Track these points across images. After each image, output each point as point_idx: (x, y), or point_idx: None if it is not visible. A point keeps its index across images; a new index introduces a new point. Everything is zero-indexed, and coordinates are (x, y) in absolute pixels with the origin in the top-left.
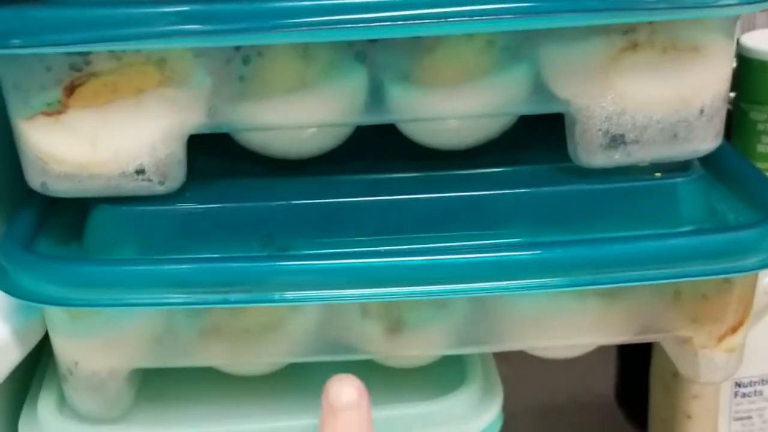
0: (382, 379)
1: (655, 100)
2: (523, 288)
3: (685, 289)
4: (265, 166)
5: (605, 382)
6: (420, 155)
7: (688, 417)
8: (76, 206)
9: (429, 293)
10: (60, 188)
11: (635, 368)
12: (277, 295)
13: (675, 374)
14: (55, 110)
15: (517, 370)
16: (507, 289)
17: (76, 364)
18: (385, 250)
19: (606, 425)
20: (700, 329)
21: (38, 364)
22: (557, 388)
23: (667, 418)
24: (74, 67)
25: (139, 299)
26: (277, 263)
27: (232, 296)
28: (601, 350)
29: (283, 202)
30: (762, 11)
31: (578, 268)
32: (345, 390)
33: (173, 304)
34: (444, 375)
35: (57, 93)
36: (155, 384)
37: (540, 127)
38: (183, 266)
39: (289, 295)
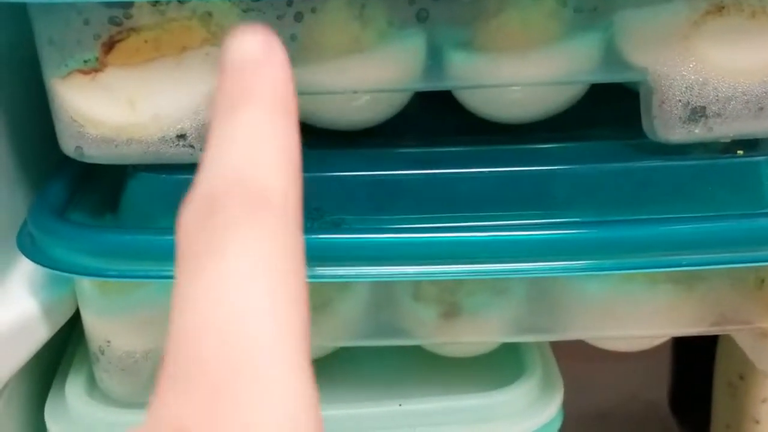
0: (437, 369)
1: (741, 69)
2: (586, 269)
3: None
4: (315, 137)
5: (658, 388)
6: (480, 129)
7: (757, 422)
8: (112, 174)
9: (484, 272)
10: (96, 153)
11: (693, 371)
12: (325, 271)
13: (742, 375)
14: (92, 68)
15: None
16: (569, 269)
17: (108, 343)
18: (438, 226)
19: None
20: None
21: (68, 344)
22: (605, 394)
23: (732, 423)
24: (114, 21)
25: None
26: (326, 236)
27: None
28: (654, 352)
29: (334, 174)
30: None
31: (648, 250)
32: (245, 42)
33: None
34: (501, 366)
35: (95, 49)
36: None
37: (609, 100)
38: None
39: (339, 271)
